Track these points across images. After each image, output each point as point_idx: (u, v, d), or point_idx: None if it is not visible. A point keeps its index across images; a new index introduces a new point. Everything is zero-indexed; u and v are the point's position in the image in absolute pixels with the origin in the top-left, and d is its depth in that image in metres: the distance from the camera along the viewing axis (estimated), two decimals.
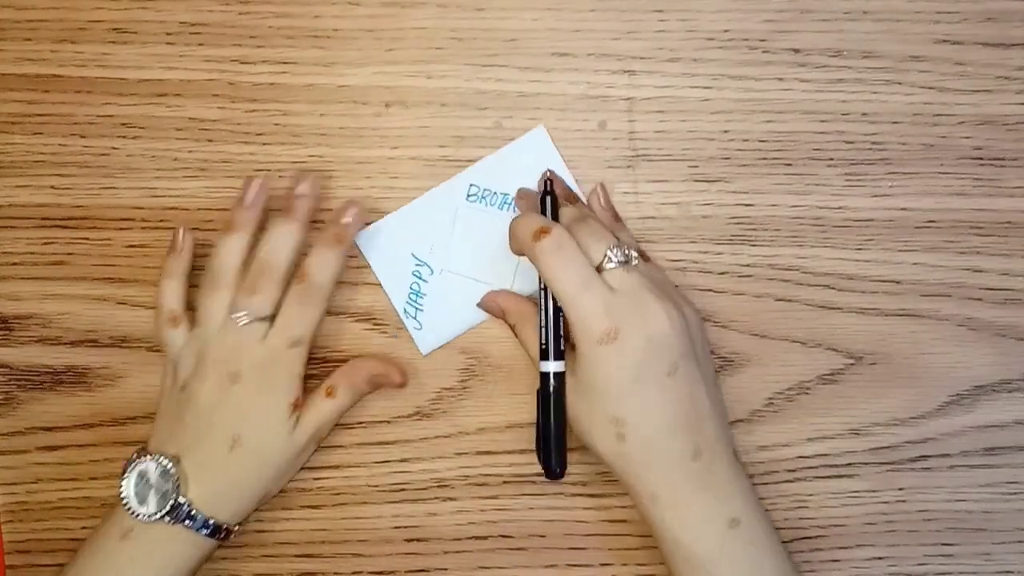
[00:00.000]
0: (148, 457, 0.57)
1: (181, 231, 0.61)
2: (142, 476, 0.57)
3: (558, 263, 0.55)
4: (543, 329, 0.58)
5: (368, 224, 0.63)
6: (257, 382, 0.58)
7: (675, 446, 0.55)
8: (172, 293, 0.60)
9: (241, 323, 0.58)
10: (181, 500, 0.56)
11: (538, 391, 0.58)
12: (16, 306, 0.64)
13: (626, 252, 0.56)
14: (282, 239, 0.59)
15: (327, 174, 0.63)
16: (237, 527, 0.59)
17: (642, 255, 0.58)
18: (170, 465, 0.57)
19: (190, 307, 0.61)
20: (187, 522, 0.57)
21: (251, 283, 0.58)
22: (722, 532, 0.55)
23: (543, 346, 0.58)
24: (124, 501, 0.57)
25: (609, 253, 0.56)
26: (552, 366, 0.57)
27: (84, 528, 0.64)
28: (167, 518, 0.56)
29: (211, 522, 0.57)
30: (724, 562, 0.55)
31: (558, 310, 0.57)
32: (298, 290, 0.59)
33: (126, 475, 0.57)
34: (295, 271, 0.59)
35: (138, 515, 0.56)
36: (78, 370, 0.64)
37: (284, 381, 0.58)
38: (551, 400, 0.57)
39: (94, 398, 0.64)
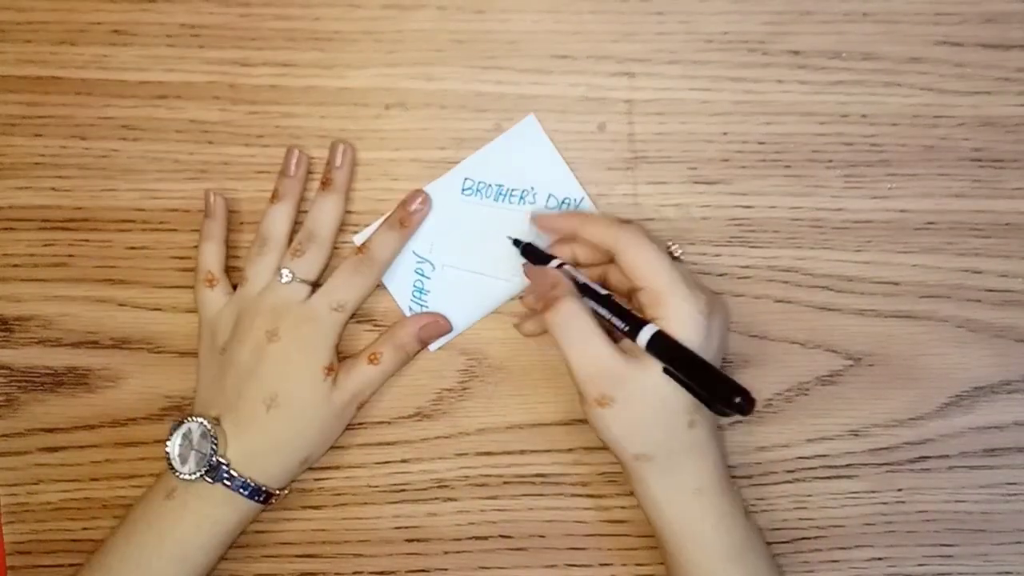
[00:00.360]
0: (191, 418, 0.59)
1: (212, 194, 0.62)
2: (186, 437, 0.59)
3: (648, 246, 0.55)
4: (611, 316, 0.55)
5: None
6: (294, 341, 0.59)
7: (719, 434, 0.58)
8: (209, 255, 0.62)
9: (284, 280, 0.60)
10: (219, 460, 0.58)
11: (664, 369, 0.54)
12: (17, 308, 0.64)
13: (674, 247, 0.59)
14: (325, 210, 0.61)
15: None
16: (280, 492, 0.61)
17: None
18: (209, 426, 0.58)
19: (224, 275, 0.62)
20: (226, 482, 0.58)
21: (297, 247, 0.61)
22: (745, 523, 0.57)
23: (624, 330, 0.54)
24: (169, 461, 0.58)
25: (671, 248, 0.59)
26: (645, 334, 0.53)
27: (85, 529, 0.64)
28: (207, 478, 0.58)
29: (249, 483, 0.59)
30: (749, 550, 0.57)
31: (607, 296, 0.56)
32: (354, 259, 0.61)
33: (171, 436, 0.59)
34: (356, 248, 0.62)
35: (180, 475, 0.58)
36: (79, 371, 0.64)
37: (321, 343, 0.60)
38: (676, 353, 0.53)
39: (95, 399, 0.64)
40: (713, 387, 0.52)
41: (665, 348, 0.53)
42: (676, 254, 0.59)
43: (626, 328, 0.54)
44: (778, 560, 0.63)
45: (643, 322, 0.54)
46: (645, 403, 0.55)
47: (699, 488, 0.56)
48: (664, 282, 0.54)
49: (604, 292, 0.56)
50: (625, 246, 0.56)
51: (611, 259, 0.57)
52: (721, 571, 0.56)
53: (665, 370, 0.54)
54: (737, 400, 0.50)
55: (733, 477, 0.62)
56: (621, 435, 0.55)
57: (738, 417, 0.62)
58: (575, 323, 0.55)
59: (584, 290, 0.57)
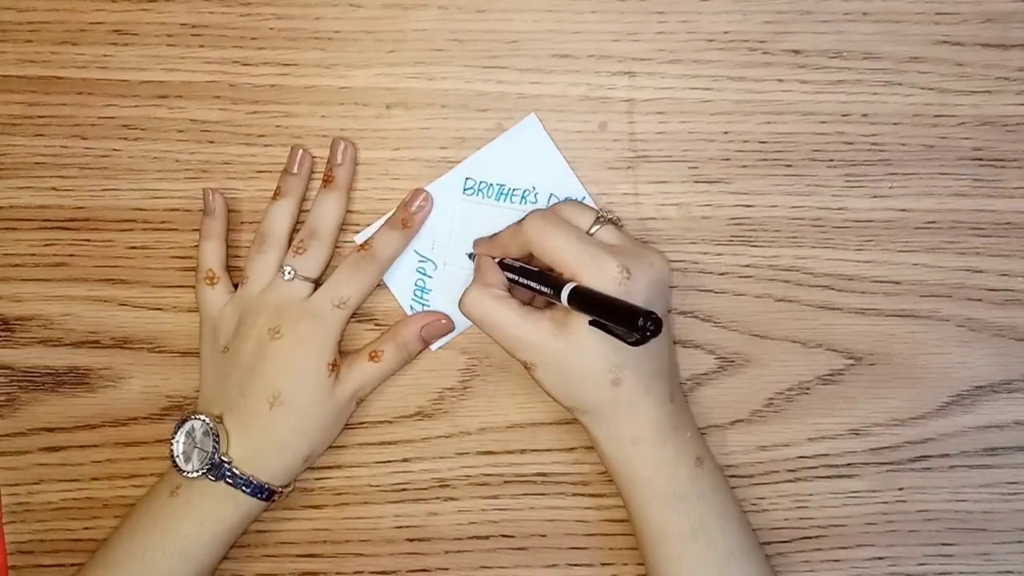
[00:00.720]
0: (194, 417, 0.59)
1: (211, 192, 0.62)
2: (189, 435, 0.59)
3: (550, 231, 0.57)
4: (537, 289, 0.57)
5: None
6: (297, 338, 0.59)
7: (661, 388, 0.58)
8: (210, 253, 0.62)
9: (286, 277, 0.60)
10: (222, 458, 0.58)
11: (590, 322, 0.55)
12: (18, 307, 0.64)
13: (611, 214, 0.59)
14: (327, 207, 0.61)
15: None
16: (283, 489, 0.61)
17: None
18: (212, 424, 0.58)
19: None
20: (228, 480, 0.58)
21: (298, 244, 0.61)
22: (692, 470, 0.58)
23: (549, 294, 0.56)
24: (173, 459, 0.59)
25: (599, 217, 0.58)
26: (564, 292, 0.55)
27: (86, 528, 0.64)
28: (209, 476, 0.58)
29: (252, 481, 0.59)
30: (693, 496, 0.57)
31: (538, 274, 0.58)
32: (357, 257, 0.61)
33: (175, 434, 0.59)
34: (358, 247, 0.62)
35: (184, 472, 0.58)
36: (80, 371, 0.64)
37: (323, 340, 0.60)
38: (590, 300, 0.55)
39: (96, 399, 0.64)
40: (623, 318, 0.53)
41: (580, 300, 0.55)
42: (608, 218, 0.58)
43: (551, 292, 0.56)
44: (779, 559, 0.63)
45: (563, 283, 0.56)
46: (565, 364, 0.57)
47: (634, 437, 0.57)
48: (571, 262, 0.56)
49: (535, 269, 0.58)
50: (531, 243, 0.57)
51: None
52: (662, 515, 0.57)
53: (591, 322, 0.55)
54: (640, 322, 0.51)
55: (733, 477, 0.62)
56: (551, 391, 0.58)
57: (738, 417, 0.63)
58: (476, 307, 0.58)
59: (518, 271, 0.59)
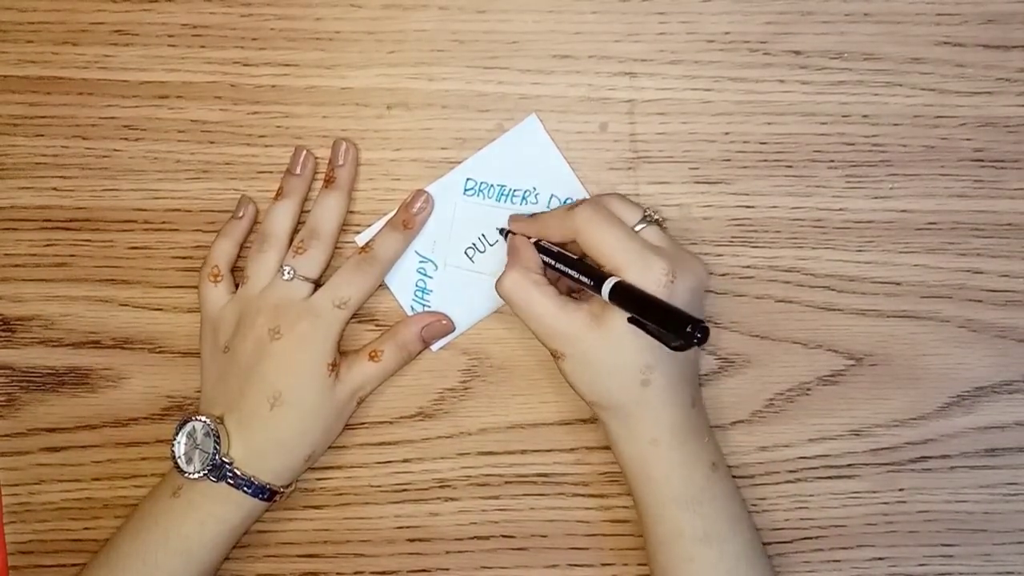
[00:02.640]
0: (195, 418, 0.59)
1: (246, 199, 0.63)
2: (190, 436, 0.59)
3: (601, 223, 0.57)
4: (579, 275, 0.57)
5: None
6: (297, 338, 0.59)
7: (686, 391, 0.58)
8: (220, 251, 0.62)
9: (285, 277, 0.60)
10: (222, 459, 0.58)
11: (629, 319, 0.55)
12: (18, 308, 0.64)
13: (657, 215, 0.59)
14: (328, 207, 0.61)
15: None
16: (285, 489, 0.61)
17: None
18: (213, 425, 0.58)
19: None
20: (229, 481, 0.58)
21: (299, 244, 0.61)
22: (707, 473, 0.58)
23: (590, 285, 0.56)
24: (175, 460, 0.59)
25: (645, 215, 0.58)
26: (607, 287, 0.55)
27: (87, 529, 0.64)
28: (210, 477, 0.58)
29: (253, 481, 0.59)
30: (707, 500, 0.57)
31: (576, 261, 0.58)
32: (358, 258, 0.61)
33: (177, 435, 0.59)
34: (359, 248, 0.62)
35: (186, 473, 0.58)
36: (80, 371, 0.64)
37: (323, 340, 0.60)
38: (634, 299, 0.55)
39: (96, 399, 0.64)
40: (669, 322, 0.53)
41: (624, 296, 0.55)
42: (653, 218, 0.58)
43: (591, 284, 0.56)
44: (779, 560, 0.63)
45: (606, 276, 0.55)
46: (596, 359, 0.57)
47: (654, 439, 0.57)
48: (619, 258, 0.56)
49: (575, 256, 0.58)
50: (579, 232, 0.57)
51: None
52: (675, 517, 0.57)
53: (630, 319, 0.55)
54: (688, 329, 0.51)
55: (734, 477, 0.62)
56: (577, 383, 0.58)
57: (739, 417, 0.63)
58: (516, 291, 0.58)
59: (557, 256, 0.58)
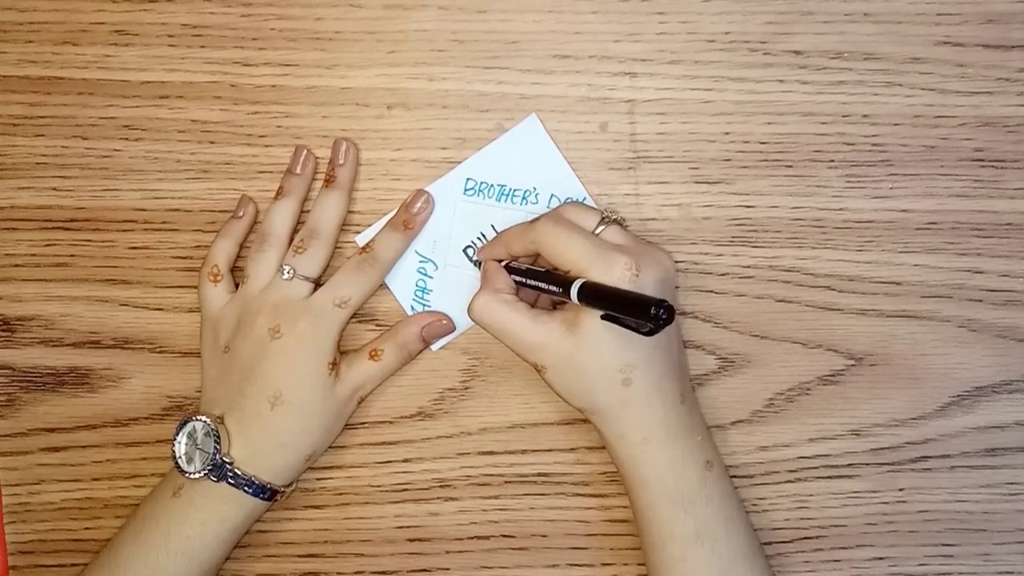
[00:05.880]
0: (195, 417, 0.59)
1: (246, 199, 0.63)
2: (191, 436, 0.59)
3: (560, 232, 0.57)
4: (545, 288, 0.58)
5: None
6: (297, 338, 0.59)
7: (672, 388, 0.58)
8: (220, 251, 0.62)
9: (285, 276, 0.60)
10: (223, 458, 0.58)
11: (602, 316, 0.55)
12: (19, 308, 0.64)
13: (615, 215, 0.59)
14: (328, 206, 0.61)
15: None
16: (286, 489, 0.61)
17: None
18: (213, 425, 0.58)
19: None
20: (230, 480, 0.58)
21: (299, 243, 0.61)
22: (701, 472, 0.58)
23: (559, 292, 0.56)
24: (175, 460, 0.59)
25: (603, 217, 0.58)
26: (574, 289, 0.55)
27: (87, 529, 0.64)
28: (211, 476, 0.58)
29: (254, 481, 0.59)
30: (701, 499, 0.57)
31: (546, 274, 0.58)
32: (358, 259, 0.61)
33: (177, 435, 0.59)
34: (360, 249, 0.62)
35: (186, 473, 0.58)
36: (80, 371, 0.64)
37: (323, 339, 0.60)
38: (601, 295, 0.55)
39: (96, 399, 0.64)
40: (635, 309, 0.53)
41: (592, 295, 0.55)
42: (613, 218, 0.59)
43: (560, 291, 0.56)
44: (779, 560, 0.63)
45: (571, 280, 0.56)
46: (576, 364, 0.57)
47: (645, 439, 0.57)
48: (581, 262, 0.56)
49: (541, 269, 0.58)
50: (540, 243, 0.57)
51: None
52: (669, 517, 0.57)
53: (603, 316, 0.55)
54: (652, 311, 0.51)
55: (734, 477, 0.62)
56: (563, 392, 0.58)
57: (739, 417, 0.63)
58: (486, 313, 0.58)
59: (526, 273, 0.59)
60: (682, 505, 0.57)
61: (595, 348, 0.56)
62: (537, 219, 0.58)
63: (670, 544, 0.57)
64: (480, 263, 0.62)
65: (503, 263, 0.60)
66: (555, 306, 0.60)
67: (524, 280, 0.59)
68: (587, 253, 0.56)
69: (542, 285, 0.58)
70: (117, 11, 0.63)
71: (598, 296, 0.55)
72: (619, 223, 0.59)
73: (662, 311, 0.51)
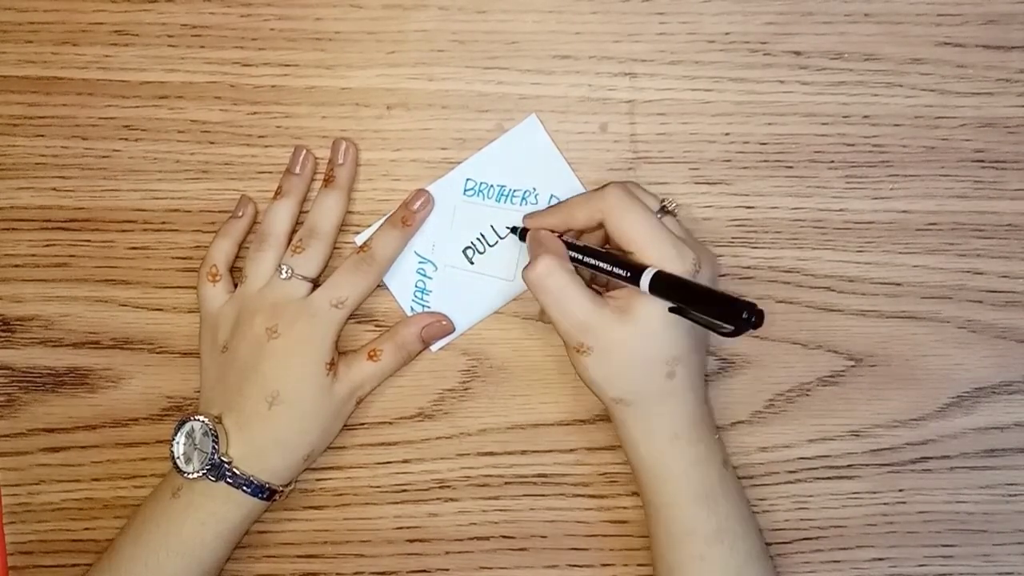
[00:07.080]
0: (193, 417, 0.59)
1: (246, 199, 0.63)
2: (189, 436, 0.59)
3: (632, 207, 0.56)
4: (612, 267, 0.56)
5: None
6: (295, 337, 0.59)
7: (702, 385, 0.59)
8: (219, 250, 0.62)
9: (284, 276, 0.60)
10: (221, 458, 0.58)
11: (670, 308, 0.54)
12: (18, 308, 0.64)
13: (672, 205, 0.59)
14: (327, 206, 0.61)
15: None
16: (284, 488, 0.61)
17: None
18: (211, 424, 0.58)
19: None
20: (228, 480, 0.58)
21: (297, 243, 0.61)
22: (720, 470, 0.58)
23: (626, 276, 0.55)
24: (174, 460, 0.59)
25: (664, 205, 0.58)
26: (646, 277, 0.54)
27: (86, 529, 0.64)
28: (209, 476, 0.58)
29: (252, 480, 0.59)
30: (721, 497, 0.58)
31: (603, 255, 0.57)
32: (356, 258, 0.61)
33: (176, 435, 0.59)
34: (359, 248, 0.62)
35: (185, 473, 0.58)
36: (80, 371, 0.64)
37: (321, 339, 0.60)
38: (678, 287, 0.54)
39: (96, 399, 0.64)
40: (720, 308, 0.52)
41: (667, 286, 0.54)
42: (670, 208, 0.58)
43: (627, 275, 0.55)
44: (779, 560, 0.63)
45: (643, 267, 0.55)
46: (622, 352, 0.56)
47: (675, 434, 0.57)
48: (649, 246, 0.55)
49: (603, 249, 0.58)
50: (608, 214, 0.57)
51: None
52: (691, 514, 0.57)
53: (671, 308, 0.54)
54: (744, 315, 0.51)
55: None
56: (599, 379, 0.57)
57: (739, 418, 0.63)
58: (550, 279, 0.56)
59: (584, 250, 0.58)
60: (704, 502, 0.57)
61: (649, 338, 0.56)
62: (604, 187, 0.57)
63: (690, 542, 0.57)
64: (519, 232, 0.61)
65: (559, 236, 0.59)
66: (592, 281, 0.59)
67: (580, 257, 0.57)
68: (657, 238, 0.55)
69: (604, 265, 0.56)
70: (117, 11, 0.63)
71: (676, 289, 0.54)
72: (673, 214, 0.59)
73: (753, 316, 0.50)
